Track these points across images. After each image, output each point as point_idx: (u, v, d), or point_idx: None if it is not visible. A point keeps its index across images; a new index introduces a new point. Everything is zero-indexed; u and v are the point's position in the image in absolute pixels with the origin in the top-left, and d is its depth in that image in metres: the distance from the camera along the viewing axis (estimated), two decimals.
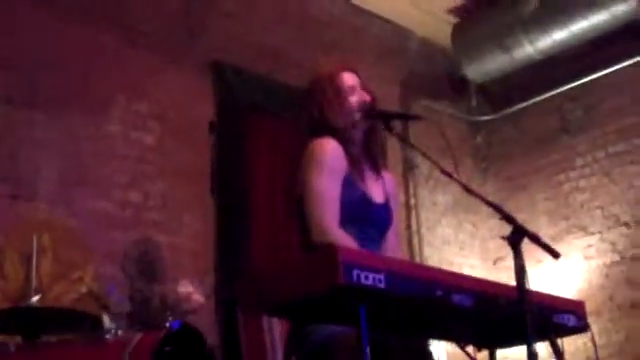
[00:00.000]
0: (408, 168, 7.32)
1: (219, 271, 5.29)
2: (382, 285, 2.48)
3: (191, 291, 4.28)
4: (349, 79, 3.27)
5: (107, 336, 2.99)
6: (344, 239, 2.94)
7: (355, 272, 2.42)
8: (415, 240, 7.13)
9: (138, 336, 2.79)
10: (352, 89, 3.24)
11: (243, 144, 5.81)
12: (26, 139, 4.75)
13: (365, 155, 3.22)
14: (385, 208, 3.23)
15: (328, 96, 3.22)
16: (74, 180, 4.87)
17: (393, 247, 3.27)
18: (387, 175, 3.34)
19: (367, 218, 3.13)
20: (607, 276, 6.90)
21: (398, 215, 3.38)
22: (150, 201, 5.24)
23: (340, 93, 3.22)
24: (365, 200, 3.13)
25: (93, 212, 4.92)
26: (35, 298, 3.54)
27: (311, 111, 3.23)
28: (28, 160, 4.73)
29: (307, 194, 3.01)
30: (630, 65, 7.07)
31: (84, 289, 4.12)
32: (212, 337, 3.82)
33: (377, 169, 3.26)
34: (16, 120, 4.74)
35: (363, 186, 3.14)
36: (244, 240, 5.51)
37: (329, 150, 3.07)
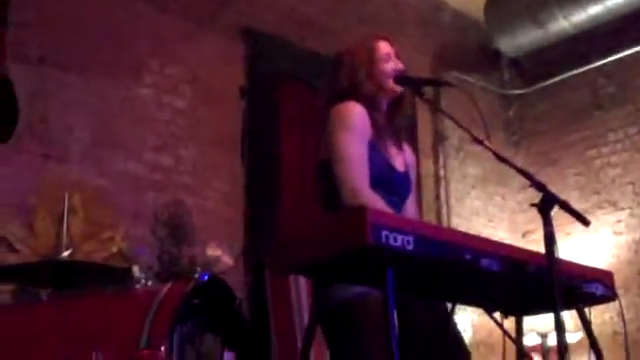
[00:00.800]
0: (439, 139, 7.30)
1: (248, 235, 5.33)
2: (410, 247, 2.49)
3: (220, 254, 4.31)
4: (385, 47, 3.29)
5: (137, 286, 3.03)
6: (376, 201, 2.95)
7: (384, 233, 2.43)
8: (444, 210, 7.12)
9: (167, 286, 2.81)
10: (387, 56, 3.26)
11: (274, 111, 5.82)
12: (58, 100, 4.78)
13: (388, 125, 3.23)
14: (406, 177, 3.25)
15: (362, 61, 3.23)
16: (105, 142, 4.90)
17: (412, 216, 3.28)
18: (407, 148, 3.36)
19: (390, 184, 3.14)
20: (636, 251, 6.86)
21: (416, 188, 3.39)
22: (180, 165, 5.27)
23: (374, 58, 3.23)
24: (388, 166, 3.15)
25: (124, 174, 4.95)
26: (66, 253, 3.59)
27: (340, 77, 3.24)
28: (60, 121, 4.76)
29: (336, 156, 3.02)
30: None
31: (114, 248, 4.16)
32: (241, 298, 3.84)
33: (399, 140, 3.27)
34: (48, 81, 4.76)
35: (386, 153, 3.16)
36: (273, 206, 5.54)
37: (356, 113, 3.08)
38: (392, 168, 3.16)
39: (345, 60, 3.28)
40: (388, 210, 2.93)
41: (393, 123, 3.25)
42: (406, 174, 3.25)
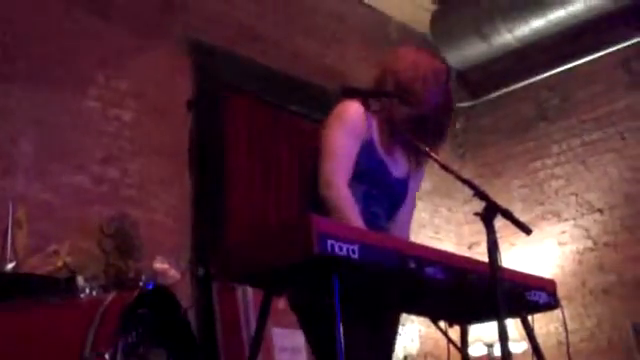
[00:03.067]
0: None
1: (195, 248, 5.32)
2: (355, 256, 2.52)
3: (167, 267, 4.29)
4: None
5: (81, 296, 3.01)
6: (346, 199, 3.02)
7: (330, 242, 2.46)
8: None
9: (111, 295, 2.81)
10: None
11: (221, 124, 5.82)
12: (2, 112, 4.73)
13: (406, 136, 3.22)
14: (402, 183, 3.30)
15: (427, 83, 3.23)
16: (51, 154, 4.85)
17: (401, 226, 3.33)
18: (421, 168, 3.41)
19: (379, 182, 3.20)
20: (580, 262, 6.96)
21: (414, 196, 3.43)
22: (127, 178, 5.23)
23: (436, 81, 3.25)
24: (381, 167, 3.21)
25: (70, 187, 4.90)
26: (9, 266, 3.55)
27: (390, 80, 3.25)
28: (4, 133, 4.70)
29: (323, 147, 3.11)
30: (606, 54, 7.13)
31: (59, 262, 4.11)
32: (188, 312, 3.83)
33: (414, 153, 3.29)
34: None
35: (384, 156, 3.22)
36: (220, 218, 5.53)
37: (352, 111, 3.16)
38: (385, 169, 3.22)
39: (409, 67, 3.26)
40: (354, 210, 2.99)
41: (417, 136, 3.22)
42: (404, 181, 3.30)
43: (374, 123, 3.20)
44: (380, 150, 3.20)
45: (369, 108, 3.18)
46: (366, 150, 3.15)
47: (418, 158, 3.33)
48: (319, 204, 3.01)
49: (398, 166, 3.28)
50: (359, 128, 3.14)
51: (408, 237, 3.39)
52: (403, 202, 3.34)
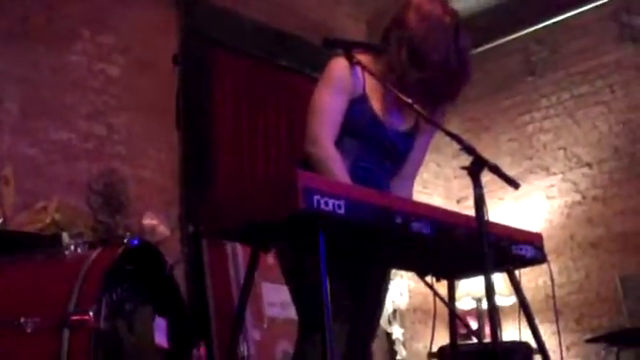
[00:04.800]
0: None
1: (184, 204, 5.31)
2: (342, 211, 2.51)
3: (156, 223, 4.29)
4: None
5: (66, 252, 3.01)
6: (330, 156, 3.00)
7: (315, 198, 2.45)
8: None
9: (97, 251, 2.80)
10: None
11: (208, 78, 5.79)
12: None
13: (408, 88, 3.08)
14: (403, 137, 3.24)
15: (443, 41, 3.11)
16: (36, 111, 4.81)
17: (403, 181, 3.30)
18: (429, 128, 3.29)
19: (372, 137, 3.16)
20: (568, 216, 6.98)
21: (424, 148, 3.38)
22: (114, 134, 5.20)
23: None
24: (375, 121, 3.15)
25: (56, 143, 4.87)
26: None
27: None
28: None
29: (310, 106, 3.09)
30: (595, 7, 7.09)
31: (48, 219, 4.10)
32: (178, 268, 3.83)
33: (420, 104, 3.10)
34: None
35: (380, 110, 3.16)
36: (209, 173, 5.52)
37: (338, 68, 3.12)
38: (378, 123, 3.16)
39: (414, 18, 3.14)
40: (342, 169, 2.97)
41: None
42: (405, 135, 3.24)
43: (365, 77, 3.14)
44: (374, 104, 3.15)
45: (353, 60, 3.13)
46: (356, 105, 3.12)
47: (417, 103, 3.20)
48: (303, 161, 3.00)
49: (398, 119, 3.22)
50: (345, 84, 3.10)
51: (410, 193, 3.36)
52: (405, 156, 3.29)
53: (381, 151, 3.20)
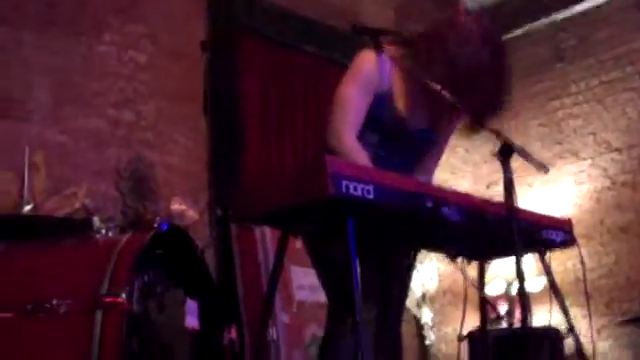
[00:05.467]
0: None
1: (212, 189, 5.33)
2: (371, 196, 2.51)
3: (184, 208, 4.31)
4: None
5: (97, 236, 3.03)
6: (354, 148, 2.98)
7: (344, 183, 2.45)
8: None
9: (127, 235, 2.82)
10: None
11: (236, 65, 5.79)
12: (17, 58, 4.71)
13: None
14: (425, 133, 3.23)
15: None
16: (66, 98, 4.84)
17: (423, 178, 3.27)
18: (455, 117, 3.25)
19: (394, 132, 3.15)
20: (598, 201, 6.95)
21: (445, 145, 3.40)
22: (142, 120, 5.23)
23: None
24: (398, 117, 3.13)
25: (85, 130, 4.90)
26: (27, 208, 3.58)
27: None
28: (19, 79, 4.70)
29: (335, 98, 3.07)
30: None
31: (77, 205, 4.13)
32: (207, 252, 3.85)
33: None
34: (6, 40, 4.68)
35: (403, 105, 3.13)
36: (237, 158, 5.54)
37: (365, 62, 3.09)
38: (402, 119, 3.14)
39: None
40: (363, 158, 2.94)
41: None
42: (427, 131, 3.23)
43: (392, 71, 3.11)
44: (398, 100, 3.12)
45: (381, 52, 3.11)
46: (381, 100, 3.09)
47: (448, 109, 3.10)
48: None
49: (421, 116, 3.18)
50: (372, 81, 3.07)
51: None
52: (425, 152, 3.29)
53: (402, 146, 3.19)
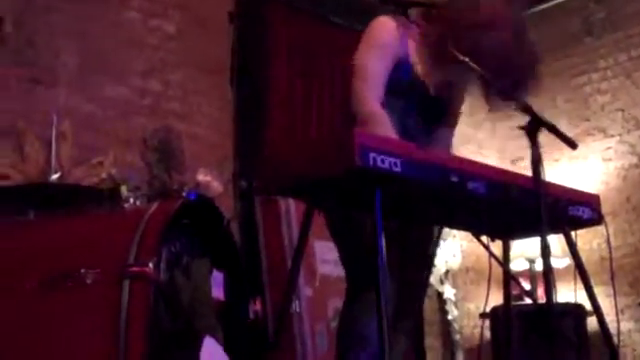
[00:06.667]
0: None
1: (237, 160, 5.34)
2: (398, 169, 2.51)
3: (209, 179, 4.33)
4: None
5: (125, 206, 3.05)
6: (378, 114, 3.00)
7: (372, 155, 2.45)
8: None
9: (155, 205, 2.83)
10: None
11: (263, 35, 5.77)
12: (45, 25, 4.71)
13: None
14: (442, 101, 3.26)
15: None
16: (93, 66, 4.85)
17: (441, 143, 3.30)
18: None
19: (415, 97, 3.17)
20: (625, 178, 6.88)
21: (456, 119, 3.42)
22: (169, 90, 5.23)
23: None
24: (417, 82, 3.16)
25: (113, 99, 4.91)
26: (54, 176, 3.60)
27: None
28: (47, 46, 4.70)
29: (355, 68, 3.10)
30: None
31: (104, 174, 4.16)
32: (231, 225, 3.87)
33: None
34: (34, 6, 4.69)
35: (422, 72, 3.16)
36: (263, 130, 5.53)
37: (383, 28, 3.13)
38: (422, 85, 3.17)
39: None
40: (389, 126, 2.95)
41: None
42: (444, 99, 3.26)
43: (411, 38, 3.15)
44: (417, 65, 3.15)
45: (407, 19, 3.12)
46: (402, 66, 3.12)
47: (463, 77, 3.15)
48: (352, 122, 2.99)
49: (439, 83, 3.21)
50: (390, 45, 3.11)
51: (451, 142, 3.41)
52: (443, 118, 3.31)
53: (423, 111, 3.21)
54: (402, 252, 3.14)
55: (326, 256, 5.13)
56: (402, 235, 3.13)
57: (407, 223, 3.13)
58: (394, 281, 3.00)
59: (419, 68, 3.15)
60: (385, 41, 3.11)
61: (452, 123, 3.40)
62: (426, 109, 3.20)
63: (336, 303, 5.00)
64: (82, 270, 2.55)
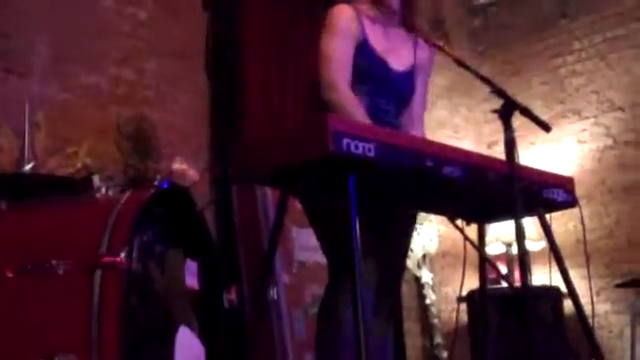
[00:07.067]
0: None
1: (213, 148, 5.32)
2: (372, 154, 2.51)
3: (185, 168, 4.31)
4: None
5: (97, 195, 3.04)
6: (349, 98, 3.08)
7: (345, 141, 2.45)
8: None
9: (127, 194, 2.82)
10: None
11: (238, 23, 5.74)
12: (18, 14, 4.68)
13: (397, 23, 3.34)
14: (406, 76, 3.31)
15: None
16: (67, 55, 4.80)
17: (413, 121, 3.33)
18: (424, 46, 3.40)
19: (381, 79, 3.25)
20: (600, 160, 6.92)
21: (425, 88, 3.45)
22: (144, 79, 5.20)
23: None
24: (380, 64, 3.24)
25: (87, 88, 4.87)
26: (28, 167, 3.57)
27: None
28: (21, 35, 4.65)
29: (320, 56, 3.16)
30: None
31: (79, 164, 4.13)
32: (207, 212, 3.86)
33: (411, 38, 3.36)
34: None
35: (382, 52, 3.25)
36: (238, 118, 5.51)
37: (342, 15, 3.22)
38: (385, 65, 3.25)
39: None
40: (361, 111, 3.02)
41: (408, 21, 3.34)
42: (407, 74, 3.33)
43: (366, 21, 3.25)
44: (376, 47, 3.25)
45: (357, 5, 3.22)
46: (362, 50, 3.21)
47: (409, 37, 3.38)
48: (323, 110, 3.03)
49: (400, 59, 3.32)
50: (350, 29, 3.21)
51: (423, 133, 3.39)
52: (411, 96, 3.35)
53: (391, 92, 3.28)
54: (381, 238, 3.15)
55: (304, 243, 5.13)
56: (381, 220, 3.14)
57: (384, 207, 3.13)
58: (374, 267, 3.02)
59: (378, 47, 3.23)
60: (344, 26, 3.20)
61: (419, 114, 3.41)
62: (393, 90, 3.24)
63: (314, 289, 5.01)
64: (53, 261, 2.55)
